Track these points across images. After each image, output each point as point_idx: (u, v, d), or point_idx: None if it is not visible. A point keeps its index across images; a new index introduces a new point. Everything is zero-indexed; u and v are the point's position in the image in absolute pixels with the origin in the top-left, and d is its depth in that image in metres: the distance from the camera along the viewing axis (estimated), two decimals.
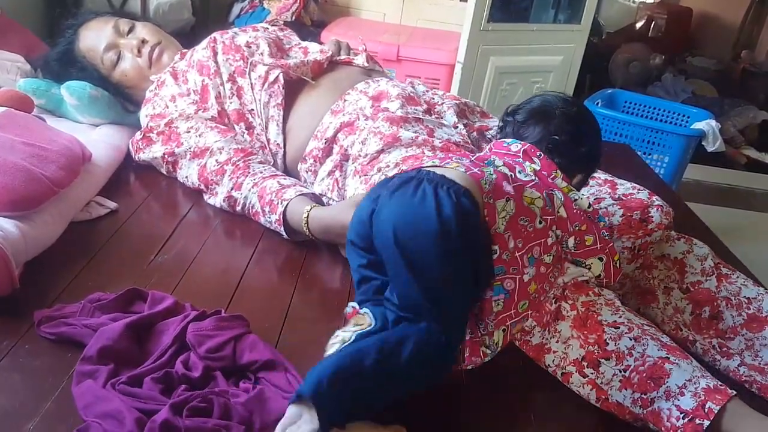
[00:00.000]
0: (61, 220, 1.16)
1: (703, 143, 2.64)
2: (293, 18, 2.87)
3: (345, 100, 1.37)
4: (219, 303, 1.03)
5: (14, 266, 0.98)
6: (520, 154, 1.01)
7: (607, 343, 0.92)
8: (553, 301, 0.98)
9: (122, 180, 1.41)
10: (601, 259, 0.99)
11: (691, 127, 2.69)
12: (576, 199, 0.98)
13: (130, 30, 1.53)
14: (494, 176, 0.90)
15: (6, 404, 0.81)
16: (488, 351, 0.90)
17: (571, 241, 0.97)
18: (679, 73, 4.46)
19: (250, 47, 1.47)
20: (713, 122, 2.64)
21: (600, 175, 1.26)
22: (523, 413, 0.94)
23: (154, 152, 1.40)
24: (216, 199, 1.33)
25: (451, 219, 0.82)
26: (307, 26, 2.92)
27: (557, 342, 0.97)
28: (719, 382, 0.88)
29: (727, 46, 4.89)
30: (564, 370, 0.96)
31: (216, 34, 1.49)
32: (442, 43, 2.86)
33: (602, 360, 0.92)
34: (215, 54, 1.44)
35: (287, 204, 1.22)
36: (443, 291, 0.82)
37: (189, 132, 1.37)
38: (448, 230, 0.81)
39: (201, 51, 1.45)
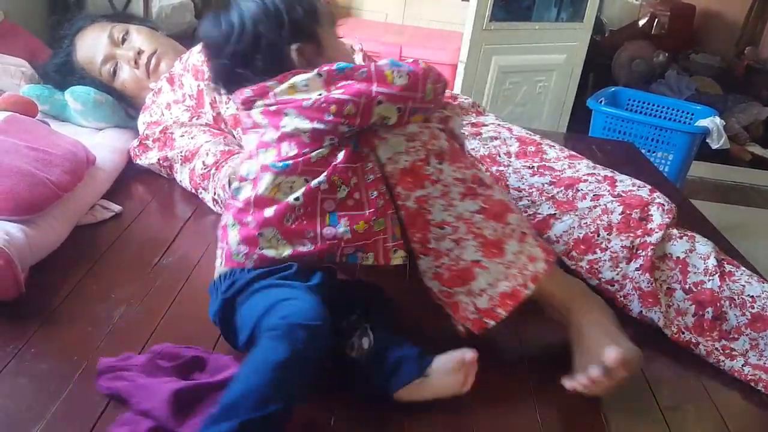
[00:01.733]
0: (65, 224, 1.16)
1: (707, 140, 2.64)
2: None
3: None
4: None
5: (20, 270, 0.98)
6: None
7: (430, 242, 0.93)
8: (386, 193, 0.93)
9: (126, 183, 1.41)
10: None
11: (696, 124, 2.68)
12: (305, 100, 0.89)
13: (126, 38, 1.52)
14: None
15: (12, 408, 0.81)
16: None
17: None
18: (682, 71, 4.45)
19: None
20: (717, 119, 2.63)
21: (600, 171, 1.26)
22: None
23: (150, 158, 1.40)
24: (207, 201, 1.33)
25: None
26: None
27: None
28: (520, 283, 0.92)
29: (731, 42, 4.87)
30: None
31: None
32: (444, 42, 2.86)
33: (421, 255, 0.94)
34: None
35: None
36: None
37: (183, 136, 1.38)
38: None
39: (196, 55, 1.45)
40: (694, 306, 1.09)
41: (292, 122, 0.89)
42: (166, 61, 1.52)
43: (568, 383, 0.90)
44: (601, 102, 2.73)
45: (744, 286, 1.09)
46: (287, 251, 0.90)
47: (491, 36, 2.68)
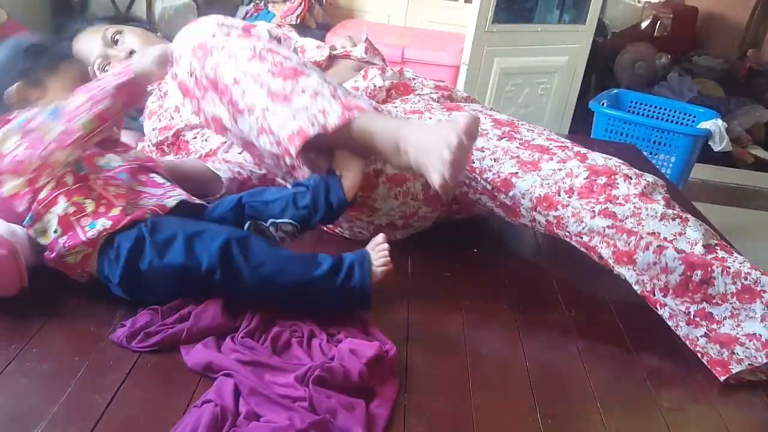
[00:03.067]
0: None
1: (709, 143, 2.63)
2: (298, 21, 2.89)
3: None
4: None
5: (23, 263, 0.98)
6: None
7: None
8: None
9: None
10: None
11: (698, 126, 2.68)
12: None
13: (119, 38, 1.50)
14: None
15: (14, 408, 0.82)
16: None
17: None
18: (685, 73, 4.45)
19: None
20: (720, 122, 2.63)
21: (573, 147, 1.24)
22: None
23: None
24: None
25: None
26: (312, 29, 2.93)
27: None
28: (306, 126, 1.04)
29: (734, 45, 4.87)
30: None
31: None
32: (446, 44, 2.86)
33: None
34: None
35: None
36: None
37: (195, 138, 1.38)
38: None
39: None
40: (683, 266, 1.05)
41: None
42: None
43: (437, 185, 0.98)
44: (603, 104, 2.73)
45: (740, 266, 1.06)
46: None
47: (493, 38, 2.68)
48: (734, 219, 2.91)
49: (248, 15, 3.03)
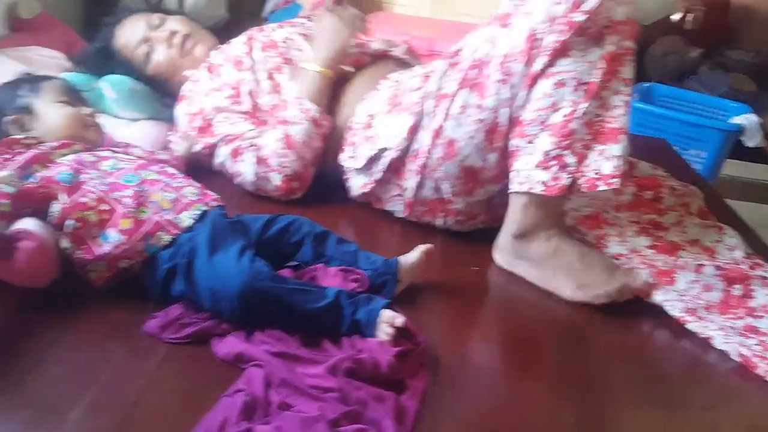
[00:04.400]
0: None
1: (741, 138, 2.59)
2: None
3: (378, 89, 1.37)
4: None
5: (55, 255, 1.00)
6: None
7: None
8: None
9: None
10: None
11: (729, 121, 2.64)
12: None
13: (162, 24, 1.55)
14: None
15: (49, 394, 0.84)
16: None
17: None
18: (716, 66, 4.37)
19: (286, 43, 1.48)
20: (752, 116, 2.59)
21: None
22: None
23: (195, 148, 1.42)
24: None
25: None
26: None
27: None
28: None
29: (766, 37, 4.77)
30: None
31: (253, 31, 1.51)
32: None
33: None
34: (251, 50, 1.46)
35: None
36: None
37: (222, 121, 1.40)
38: None
39: (238, 46, 1.47)
40: (723, 282, 1.07)
41: None
42: (201, 47, 1.54)
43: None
44: (634, 98, 2.69)
45: None
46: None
47: None
48: (765, 216, 2.86)
49: (277, 7, 3.04)
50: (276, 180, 1.35)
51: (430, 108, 1.22)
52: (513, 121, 1.15)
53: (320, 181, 1.41)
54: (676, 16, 4.58)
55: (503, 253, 1.22)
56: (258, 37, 1.48)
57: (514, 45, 1.13)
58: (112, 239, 1.00)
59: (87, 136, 1.19)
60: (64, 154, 1.10)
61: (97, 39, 1.61)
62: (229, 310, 0.95)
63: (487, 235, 1.28)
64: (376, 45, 1.59)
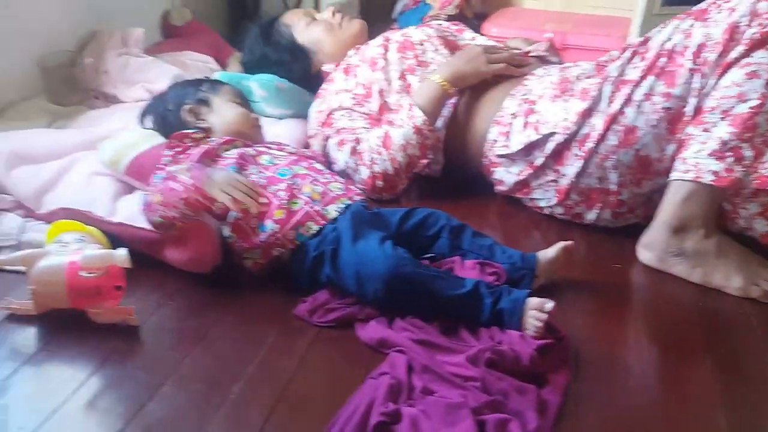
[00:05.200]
0: None
1: None
2: (456, 11, 2.89)
3: (525, 85, 1.37)
4: None
5: (218, 243, 1.09)
6: None
7: None
8: None
9: None
10: None
11: None
12: None
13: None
14: None
15: (214, 369, 0.91)
16: None
17: None
18: None
19: (422, 45, 1.51)
20: None
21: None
22: None
23: (315, 140, 1.49)
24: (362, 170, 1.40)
25: None
26: (469, 19, 2.92)
27: None
28: None
29: None
30: None
31: (390, 33, 1.55)
32: (610, 29, 2.75)
33: None
34: (387, 51, 1.50)
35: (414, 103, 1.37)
36: None
37: (342, 117, 1.45)
38: None
39: (374, 48, 1.52)
40: None
41: None
42: (359, 25, 1.65)
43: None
44: None
45: None
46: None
47: (662, 21, 2.54)
48: None
49: (406, 8, 3.08)
50: (363, 174, 1.39)
51: (608, 93, 1.20)
52: (697, 111, 1.12)
53: (457, 175, 1.44)
54: None
55: (654, 249, 1.18)
56: (394, 39, 1.52)
57: (712, 36, 1.12)
58: (267, 228, 1.07)
59: (252, 134, 1.31)
60: (228, 150, 1.19)
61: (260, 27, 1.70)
62: (373, 293, 0.99)
63: (629, 232, 1.25)
64: (513, 44, 1.58)
